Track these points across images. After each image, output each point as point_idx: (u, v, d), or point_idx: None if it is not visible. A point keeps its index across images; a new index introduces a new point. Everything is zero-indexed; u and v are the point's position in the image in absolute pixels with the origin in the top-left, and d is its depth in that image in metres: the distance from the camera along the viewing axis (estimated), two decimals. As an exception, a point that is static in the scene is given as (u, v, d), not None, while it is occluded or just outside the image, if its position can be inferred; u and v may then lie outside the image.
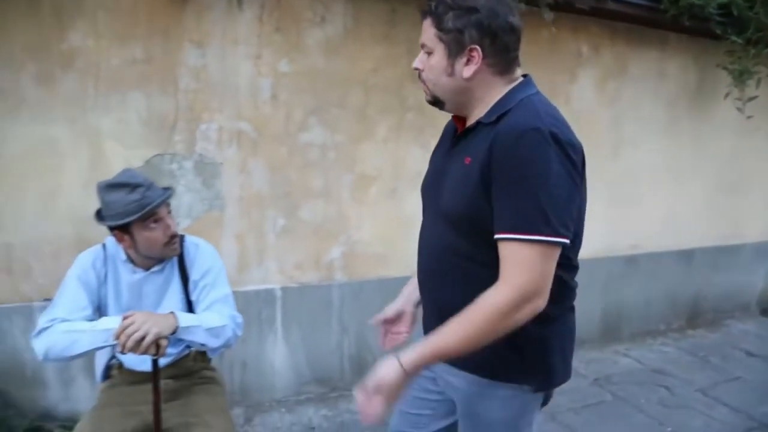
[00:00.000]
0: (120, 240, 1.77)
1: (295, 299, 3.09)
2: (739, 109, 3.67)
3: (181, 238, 1.90)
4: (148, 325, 1.54)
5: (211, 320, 1.74)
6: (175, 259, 1.88)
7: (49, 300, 2.64)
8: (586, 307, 3.85)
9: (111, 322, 1.61)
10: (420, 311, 1.52)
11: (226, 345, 1.82)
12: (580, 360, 3.79)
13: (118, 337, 1.54)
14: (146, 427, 1.76)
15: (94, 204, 2.63)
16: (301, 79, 2.92)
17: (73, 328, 1.64)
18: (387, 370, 1.20)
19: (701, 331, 4.35)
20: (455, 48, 1.20)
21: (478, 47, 1.18)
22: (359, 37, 2.97)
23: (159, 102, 2.70)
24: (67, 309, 1.73)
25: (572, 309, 1.39)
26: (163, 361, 1.83)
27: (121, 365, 1.90)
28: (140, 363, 1.83)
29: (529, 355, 1.28)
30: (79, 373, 2.77)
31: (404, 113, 3.13)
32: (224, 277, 1.92)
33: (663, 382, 3.49)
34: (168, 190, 1.79)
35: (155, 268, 1.83)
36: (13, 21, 2.43)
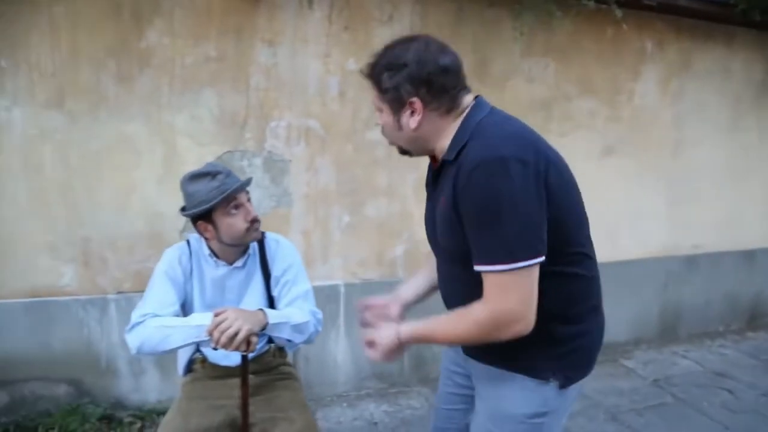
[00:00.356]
0: (203, 231, 1.80)
1: (358, 295, 3.08)
2: (809, 107, 3.56)
3: (262, 234, 1.93)
4: (240, 321, 1.56)
5: (296, 316, 1.77)
6: (257, 255, 1.91)
7: (123, 293, 2.75)
8: (644, 306, 3.81)
9: (203, 318, 1.64)
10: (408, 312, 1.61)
11: (308, 341, 1.85)
12: (638, 361, 3.76)
13: (210, 334, 1.57)
14: (231, 422, 1.80)
15: (168, 200, 2.72)
16: (368, 77, 2.92)
17: (165, 323, 1.68)
18: (386, 333, 1.35)
19: (762, 333, 4.25)
20: (396, 105, 1.25)
21: (416, 99, 1.22)
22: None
23: (231, 99, 2.74)
24: (157, 304, 1.76)
25: (596, 308, 1.38)
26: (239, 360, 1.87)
27: (204, 360, 1.94)
28: (224, 358, 1.88)
29: (556, 353, 1.31)
30: (150, 365, 2.84)
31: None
32: (304, 273, 1.95)
33: (725, 385, 3.42)
34: (248, 179, 1.82)
35: (238, 263, 1.86)
36: (97, 22, 2.50)
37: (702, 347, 3.99)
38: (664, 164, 3.70)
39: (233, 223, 1.75)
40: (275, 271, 1.91)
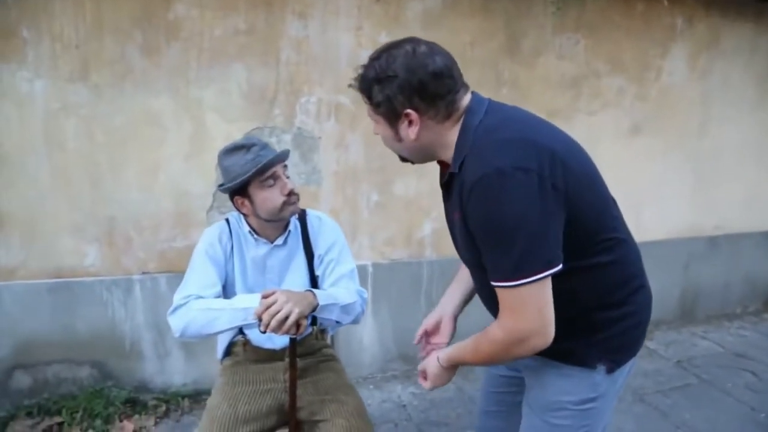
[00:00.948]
0: (240, 207, 1.74)
1: (386, 276, 3.07)
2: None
3: (303, 212, 1.87)
4: (291, 304, 1.49)
5: (344, 297, 1.71)
6: (299, 233, 1.84)
7: (147, 273, 2.68)
8: (665, 287, 3.80)
9: (250, 301, 1.57)
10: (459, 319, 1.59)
11: (355, 321, 1.80)
12: (659, 342, 3.75)
13: (259, 317, 1.50)
14: (279, 406, 1.75)
15: (195, 178, 2.64)
16: (399, 52, 2.84)
17: (210, 305, 1.61)
18: (430, 362, 1.40)
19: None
20: (392, 116, 1.20)
21: (410, 110, 1.17)
22: (457, 10, 2.88)
23: (260, 74, 2.65)
24: (198, 285, 1.70)
25: (639, 287, 1.34)
26: (284, 343, 1.82)
27: (246, 342, 1.88)
28: (267, 340, 1.82)
29: (600, 339, 1.28)
30: (174, 347, 2.78)
31: (500, 88, 3.05)
32: (348, 251, 1.88)
33: (748, 367, 3.43)
34: (285, 151, 1.74)
35: (279, 241, 1.79)
36: (123, -11, 2.39)
37: (721, 328, 4.00)
38: (690, 144, 3.66)
39: (269, 197, 1.67)
40: (319, 250, 1.84)
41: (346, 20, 2.73)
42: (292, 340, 1.69)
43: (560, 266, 1.12)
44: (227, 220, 1.86)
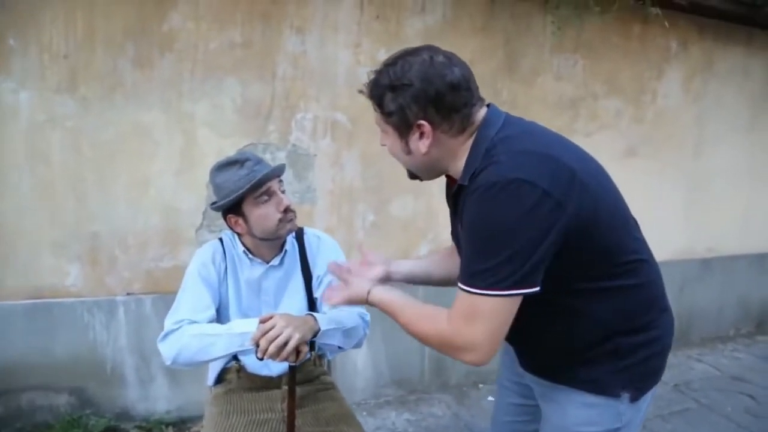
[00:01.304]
0: (234, 225, 1.65)
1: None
2: (827, 111, 3.57)
3: (301, 230, 1.78)
4: (291, 329, 1.40)
5: (346, 320, 1.62)
6: (296, 252, 1.75)
7: (132, 294, 2.55)
8: (661, 311, 3.75)
9: (246, 325, 1.48)
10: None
11: (357, 346, 1.71)
12: (655, 365, 3.70)
13: (256, 343, 1.41)
14: None
15: (185, 194, 2.54)
16: (398, 69, 2.79)
17: (204, 331, 1.51)
18: (360, 284, 1.35)
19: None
20: (403, 128, 1.14)
21: (423, 121, 1.10)
22: (458, 28, 2.85)
23: (255, 89, 2.57)
24: (191, 309, 1.60)
25: (663, 310, 1.30)
26: (281, 369, 1.72)
27: (240, 369, 1.77)
28: (263, 367, 1.72)
29: (625, 365, 1.21)
30: (159, 372, 2.65)
31: (498, 107, 3.00)
32: None
33: (745, 390, 3.40)
34: (280, 165, 1.65)
35: (275, 261, 1.70)
36: (115, 1, 2.31)
37: (715, 351, 3.98)
38: (684, 166, 3.67)
39: (264, 214, 1.58)
40: (318, 270, 1.74)
41: (345, 36, 2.67)
42: (291, 368, 1.58)
43: (534, 290, 1.06)
44: (221, 240, 1.76)
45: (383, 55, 2.73)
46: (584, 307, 1.16)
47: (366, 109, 2.74)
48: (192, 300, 1.62)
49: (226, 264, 1.71)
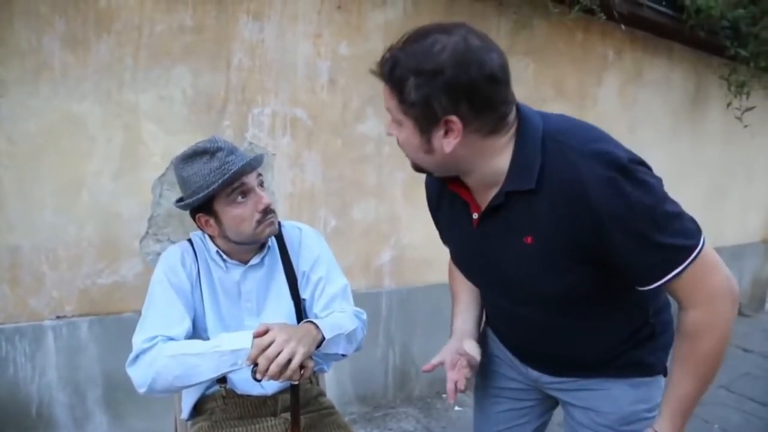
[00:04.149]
0: (204, 226, 1.41)
1: (344, 309, 2.76)
2: (738, 118, 3.89)
3: (278, 225, 1.52)
4: (293, 344, 1.20)
5: (346, 323, 1.42)
6: (276, 250, 1.52)
7: (63, 317, 2.15)
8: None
9: (237, 341, 1.24)
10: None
11: (358, 349, 1.51)
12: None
13: (254, 362, 1.19)
14: None
15: (126, 198, 2.21)
16: (360, 64, 2.63)
17: (186, 350, 1.26)
18: None
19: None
20: (426, 122, 0.95)
21: (454, 117, 0.93)
22: (418, 23, 2.74)
23: (208, 79, 2.30)
24: (163, 323, 1.35)
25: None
26: (278, 385, 1.49)
27: (227, 395, 1.51)
28: (255, 385, 1.44)
29: (661, 343, 1.23)
30: (96, 409, 2.25)
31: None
32: (336, 265, 1.60)
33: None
34: (258, 156, 1.41)
35: (254, 260, 1.47)
36: (44, -34, 1.95)
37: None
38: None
39: (240, 215, 1.35)
40: (302, 266, 1.53)
41: (305, 26, 2.48)
42: (294, 387, 1.36)
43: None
44: (190, 241, 1.50)
45: (344, 49, 2.59)
46: (640, 292, 1.08)
47: (327, 105, 2.58)
48: (163, 312, 1.36)
49: (198, 267, 1.45)
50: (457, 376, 1.24)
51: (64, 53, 2.03)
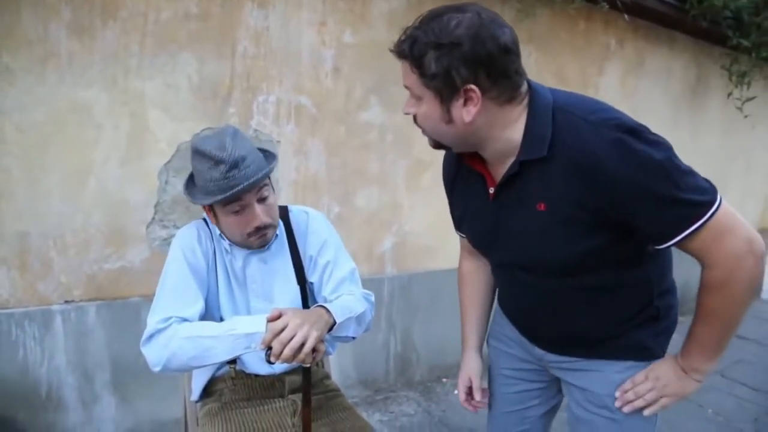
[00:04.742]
0: (208, 215, 1.46)
1: (346, 295, 2.80)
2: (738, 108, 3.91)
3: (285, 209, 1.59)
4: (307, 327, 1.23)
5: (356, 306, 1.46)
6: (284, 234, 1.56)
7: (71, 302, 2.19)
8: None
9: (252, 325, 1.28)
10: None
11: (366, 330, 1.56)
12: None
13: (268, 345, 1.23)
14: None
15: (133, 185, 2.23)
16: (364, 52, 2.64)
17: (201, 332, 1.29)
18: (688, 387, 1.20)
19: (688, 317, 4.60)
20: (447, 93, 1.02)
21: (473, 86, 0.99)
22: (422, 11, 2.75)
23: (213, 67, 2.31)
24: (178, 303, 1.37)
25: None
26: (286, 365, 1.52)
27: (236, 376, 1.55)
28: (264, 365, 1.49)
29: (663, 327, 1.25)
30: (104, 391, 2.29)
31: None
32: (344, 249, 1.62)
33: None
34: (263, 169, 1.38)
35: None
36: (51, -47, 1.95)
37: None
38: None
39: (233, 224, 1.40)
40: (309, 250, 1.56)
41: (309, 14, 2.48)
42: (306, 370, 1.40)
43: None
44: (205, 220, 1.53)
45: (348, 37, 2.60)
46: (645, 270, 1.14)
47: (331, 93, 2.60)
48: (177, 292, 1.39)
49: (213, 246, 1.49)
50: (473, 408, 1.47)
51: (70, 41, 2.04)
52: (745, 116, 3.96)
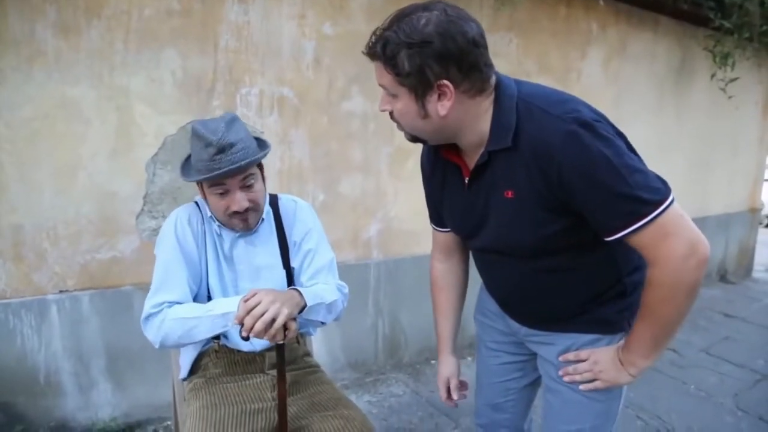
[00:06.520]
0: (199, 190, 1.55)
1: (334, 281, 2.89)
2: (722, 89, 3.95)
3: (275, 197, 1.69)
4: (278, 305, 1.32)
5: (328, 294, 1.55)
6: (272, 220, 1.65)
7: (66, 292, 2.28)
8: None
9: (228, 305, 1.39)
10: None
11: (337, 319, 1.64)
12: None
13: (241, 321, 1.32)
14: (273, 428, 1.52)
15: (122, 177, 2.32)
16: (344, 44, 2.71)
17: (186, 314, 1.41)
18: (618, 378, 1.25)
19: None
20: (421, 89, 1.06)
21: (446, 80, 1.04)
22: (400, 3, 2.80)
23: (196, 61, 2.38)
24: (171, 287, 1.48)
25: None
26: (266, 343, 1.60)
27: (219, 350, 1.64)
28: (245, 342, 1.57)
29: (628, 303, 1.29)
30: (100, 376, 2.39)
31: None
32: (326, 239, 1.72)
33: (669, 345, 3.69)
34: (249, 157, 1.43)
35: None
36: (34, -45, 2.02)
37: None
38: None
39: (216, 204, 1.50)
40: (294, 236, 1.66)
41: (289, 8, 2.55)
42: (280, 347, 1.48)
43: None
44: (196, 203, 1.62)
45: (328, 29, 2.66)
46: (611, 252, 1.18)
47: (313, 84, 2.66)
48: (170, 275, 1.50)
49: (204, 228, 1.58)
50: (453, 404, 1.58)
51: (56, 40, 2.12)
52: (729, 97, 4.00)
